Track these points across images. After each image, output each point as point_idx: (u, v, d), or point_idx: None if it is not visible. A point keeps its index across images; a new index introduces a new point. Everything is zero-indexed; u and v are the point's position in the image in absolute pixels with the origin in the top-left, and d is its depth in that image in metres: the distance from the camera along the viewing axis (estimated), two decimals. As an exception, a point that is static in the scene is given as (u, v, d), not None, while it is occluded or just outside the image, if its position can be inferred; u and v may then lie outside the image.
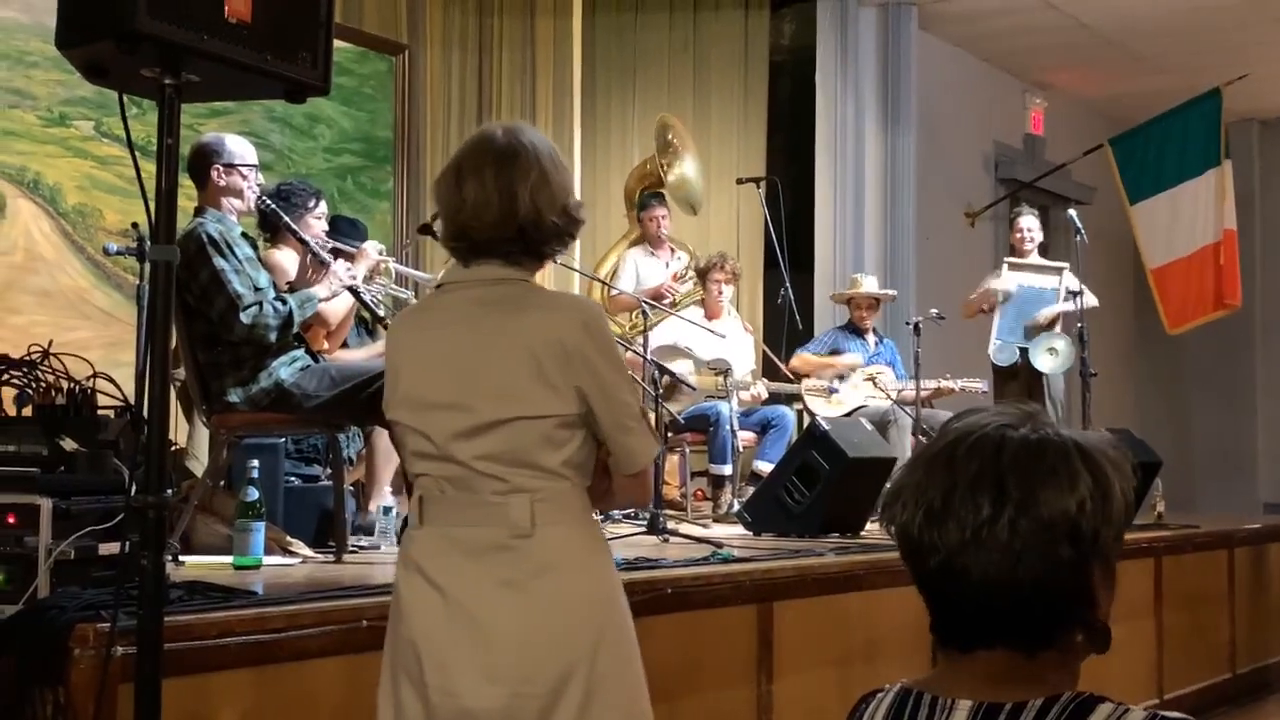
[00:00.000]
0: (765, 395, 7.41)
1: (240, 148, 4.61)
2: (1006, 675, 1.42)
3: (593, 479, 2.46)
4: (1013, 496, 1.38)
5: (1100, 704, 1.37)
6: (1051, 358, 7.81)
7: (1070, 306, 7.65)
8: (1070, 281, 7.87)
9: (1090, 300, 7.67)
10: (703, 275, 7.46)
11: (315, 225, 5.13)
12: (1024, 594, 1.39)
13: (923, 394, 7.24)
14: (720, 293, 7.40)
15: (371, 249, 5.11)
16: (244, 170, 4.57)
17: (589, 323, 2.41)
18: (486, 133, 2.49)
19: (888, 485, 1.56)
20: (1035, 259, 8.15)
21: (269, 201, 4.81)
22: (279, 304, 4.45)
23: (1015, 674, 1.41)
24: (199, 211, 4.56)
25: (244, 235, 4.59)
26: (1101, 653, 1.44)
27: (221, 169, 4.53)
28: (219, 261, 4.37)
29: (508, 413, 2.35)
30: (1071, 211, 7.97)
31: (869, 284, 7.91)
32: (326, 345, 5.09)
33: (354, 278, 4.79)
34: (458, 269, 2.49)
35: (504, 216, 2.40)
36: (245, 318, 4.35)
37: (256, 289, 4.43)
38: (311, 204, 5.22)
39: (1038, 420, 1.45)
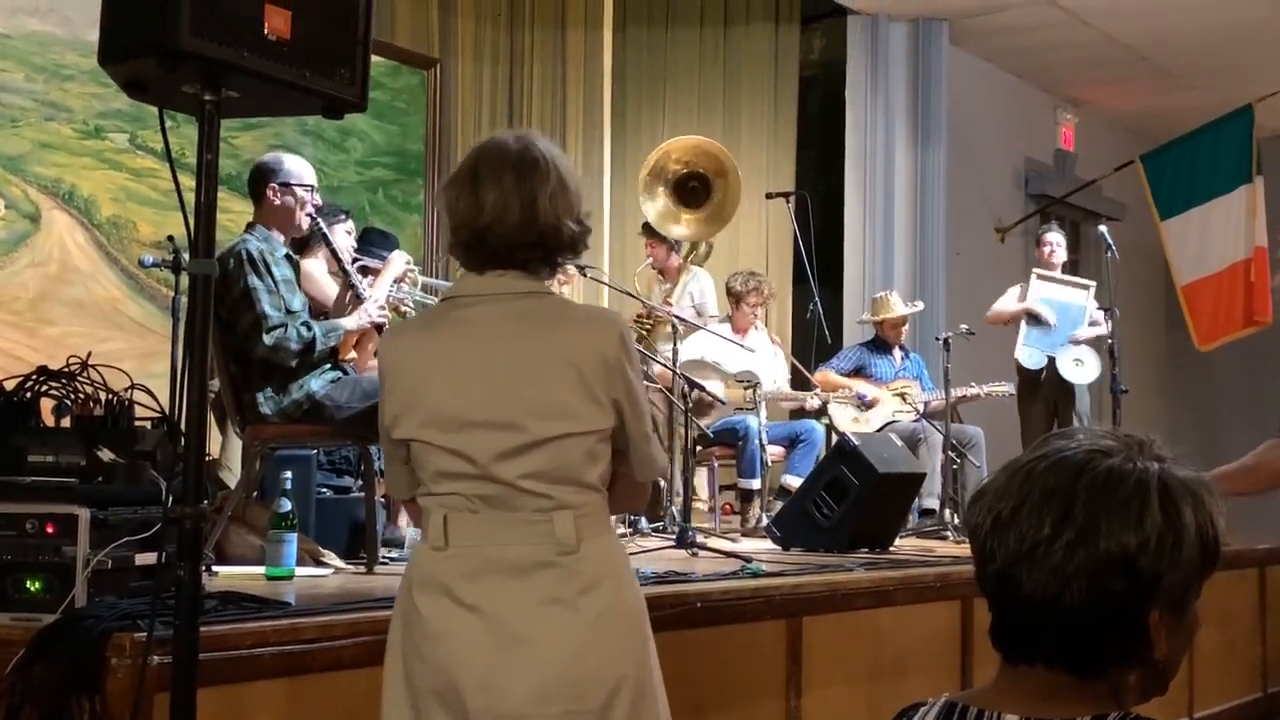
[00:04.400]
0: (817, 405, 7.40)
1: (299, 168, 4.64)
2: (1054, 693, 1.42)
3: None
4: (1076, 521, 1.39)
5: None
6: (1078, 368, 7.81)
7: (1102, 330, 7.64)
8: (1096, 303, 7.88)
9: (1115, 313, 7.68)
10: (737, 298, 7.46)
11: (343, 238, 5.18)
12: (1068, 618, 1.39)
13: (950, 404, 7.23)
14: (755, 315, 7.43)
15: (399, 258, 5.15)
16: (299, 190, 4.60)
17: (624, 335, 2.42)
18: (498, 140, 2.47)
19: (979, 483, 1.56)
20: (1060, 274, 8.16)
21: (318, 220, 4.84)
22: (304, 329, 4.47)
23: (1063, 693, 1.42)
24: (249, 228, 4.60)
25: (287, 257, 4.62)
26: (1150, 698, 1.43)
27: (277, 188, 4.56)
28: (253, 280, 4.40)
29: (557, 430, 2.33)
30: (1102, 228, 7.94)
31: (897, 305, 7.89)
32: (355, 355, 5.12)
33: (384, 313, 4.81)
34: (472, 281, 2.46)
35: (525, 221, 2.38)
36: (268, 339, 4.38)
37: (288, 311, 4.47)
38: (341, 217, 5.27)
39: (1139, 451, 1.43)
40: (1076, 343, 7.89)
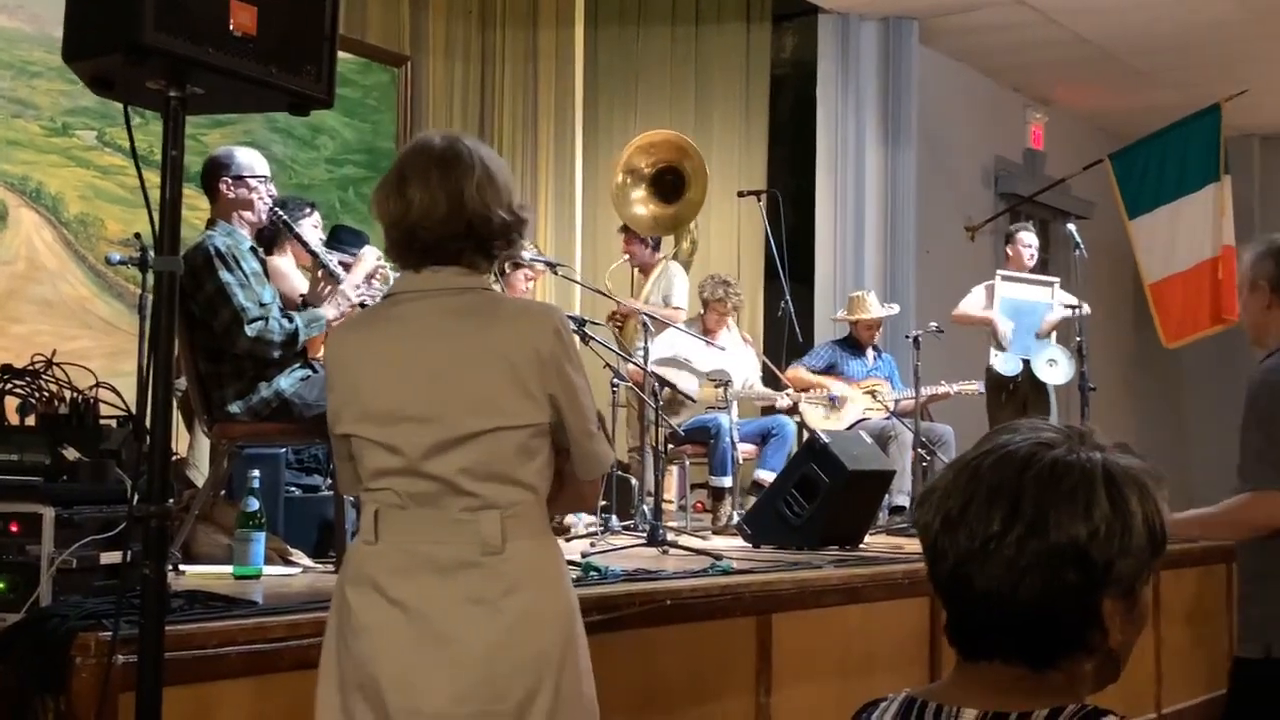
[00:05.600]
0: (788, 404, 7.40)
1: (249, 159, 4.61)
2: (1011, 687, 1.43)
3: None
4: (1025, 515, 1.39)
5: (1106, 716, 1.38)
6: (1052, 369, 7.85)
7: (1067, 313, 7.71)
8: (1062, 296, 7.94)
9: (1085, 309, 7.71)
10: (704, 303, 7.47)
11: (310, 233, 5.15)
12: (1024, 612, 1.40)
13: (920, 402, 7.26)
14: (724, 321, 7.44)
15: (370, 254, 5.12)
16: (252, 182, 4.57)
17: (559, 329, 2.42)
18: (424, 139, 2.50)
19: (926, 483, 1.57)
20: (1028, 274, 8.20)
21: (279, 211, 4.81)
22: (285, 320, 4.46)
23: (1020, 686, 1.43)
24: (210, 224, 4.57)
25: (252, 250, 4.60)
26: (1104, 685, 1.45)
27: (230, 181, 4.53)
28: (225, 275, 4.38)
29: (487, 424, 2.34)
30: (1071, 226, 7.98)
31: (874, 306, 7.88)
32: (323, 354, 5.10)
33: (362, 294, 4.78)
34: (411, 278, 2.48)
35: (452, 213, 2.40)
36: (250, 331, 4.36)
37: (261, 304, 4.44)
38: (307, 211, 5.24)
39: (1080, 442, 1.45)
40: (1042, 335, 7.93)
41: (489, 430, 2.34)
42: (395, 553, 2.37)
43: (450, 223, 2.41)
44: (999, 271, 8.18)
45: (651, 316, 6.47)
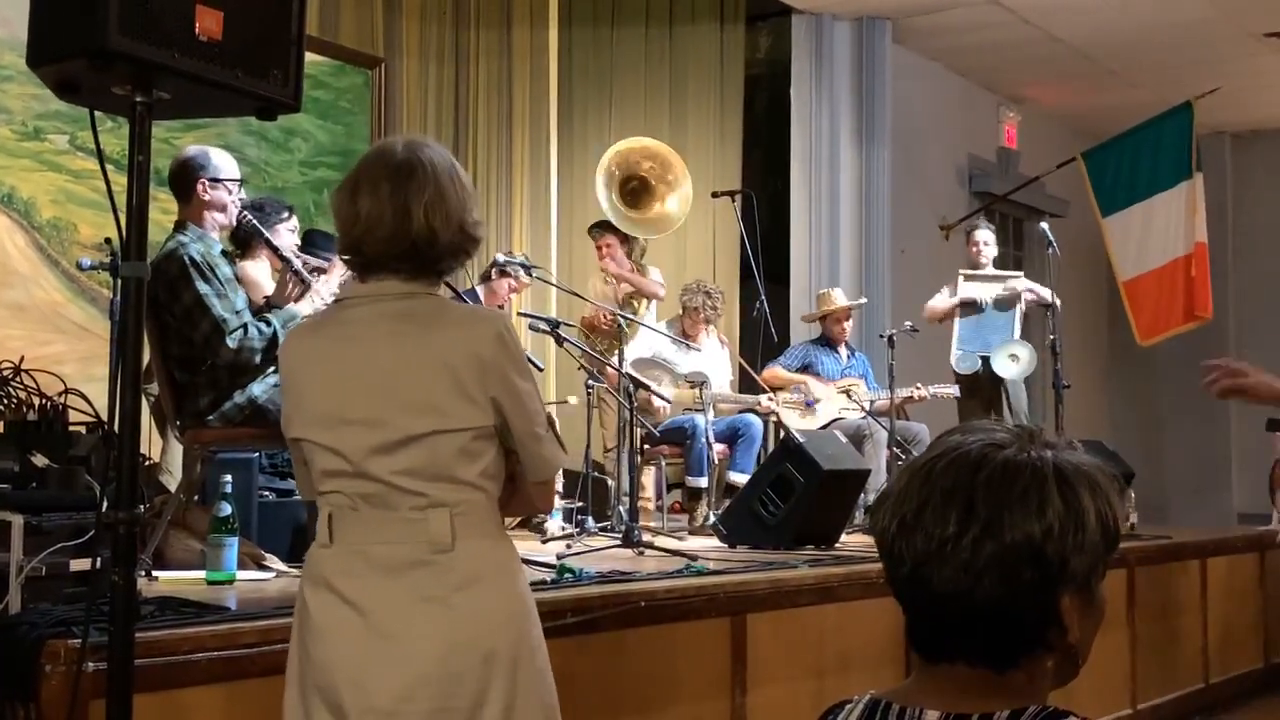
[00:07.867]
0: (773, 408, 7.41)
1: (224, 161, 4.58)
2: (973, 688, 1.43)
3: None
4: (980, 516, 1.40)
5: (1068, 717, 1.39)
6: (1013, 364, 7.89)
7: (1046, 296, 7.77)
8: (1027, 284, 8.03)
9: (1045, 294, 7.80)
10: (682, 307, 7.47)
11: (287, 237, 5.14)
12: (983, 613, 1.41)
13: (895, 402, 7.28)
14: (703, 327, 7.44)
15: (341, 262, 5.11)
16: (229, 185, 4.55)
17: (502, 334, 2.42)
18: (387, 146, 2.48)
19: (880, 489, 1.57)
20: (990, 270, 8.29)
21: (250, 216, 4.79)
22: (262, 325, 4.43)
23: (982, 688, 1.43)
24: (179, 226, 4.53)
25: (223, 254, 4.58)
26: (1065, 682, 1.45)
27: (207, 183, 4.50)
28: (202, 286, 4.35)
29: (426, 426, 2.35)
30: (1044, 224, 8.01)
31: (840, 298, 7.93)
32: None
33: (334, 295, 4.76)
34: (358, 284, 2.49)
35: (397, 232, 2.39)
36: (231, 342, 4.34)
37: (235, 312, 4.42)
38: (285, 215, 5.22)
39: (1030, 441, 1.46)
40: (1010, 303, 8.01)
41: (429, 433, 2.34)
42: (348, 554, 2.37)
43: (394, 241, 2.39)
44: (960, 270, 8.27)
45: (627, 319, 6.47)
